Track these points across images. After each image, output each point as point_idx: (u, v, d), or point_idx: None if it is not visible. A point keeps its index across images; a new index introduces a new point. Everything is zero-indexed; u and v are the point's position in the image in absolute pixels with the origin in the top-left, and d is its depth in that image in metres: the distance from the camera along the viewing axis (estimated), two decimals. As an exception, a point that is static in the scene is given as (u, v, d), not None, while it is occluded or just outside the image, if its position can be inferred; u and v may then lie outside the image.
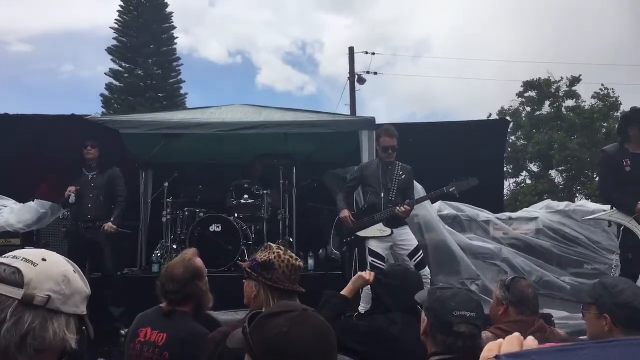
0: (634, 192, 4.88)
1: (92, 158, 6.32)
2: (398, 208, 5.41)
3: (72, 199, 6.14)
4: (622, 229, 5.04)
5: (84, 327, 1.32)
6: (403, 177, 5.58)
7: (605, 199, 5.46)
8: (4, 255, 1.29)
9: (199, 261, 2.93)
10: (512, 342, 0.95)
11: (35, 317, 1.22)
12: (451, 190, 5.52)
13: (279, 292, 2.39)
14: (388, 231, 5.45)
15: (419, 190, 6.08)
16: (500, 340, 0.96)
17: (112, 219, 6.13)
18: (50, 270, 1.28)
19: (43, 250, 1.35)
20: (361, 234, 5.59)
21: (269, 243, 2.63)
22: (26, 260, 1.27)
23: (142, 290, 5.91)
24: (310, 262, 6.71)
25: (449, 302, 2.19)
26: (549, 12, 50.63)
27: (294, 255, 2.53)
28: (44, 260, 1.29)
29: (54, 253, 1.35)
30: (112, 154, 6.60)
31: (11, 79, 53.13)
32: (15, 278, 1.23)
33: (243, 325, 1.38)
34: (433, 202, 6.25)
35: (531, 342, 0.94)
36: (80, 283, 1.33)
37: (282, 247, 2.54)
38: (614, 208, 5.08)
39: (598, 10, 45.66)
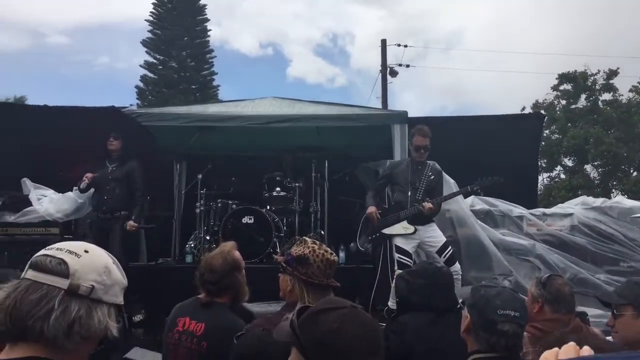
0: None
1: (114, 150, 6.47)
2: (424, 204, 5.39)
3: (83, 186, 6.32)
4: None
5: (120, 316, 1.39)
6: (432, 177, 5.58)
7: None
8: (47, 247, 1.36)
9: (237, 254, 2.99)
10: (568, 351, 0.94)
11: (81, 306, 1.28)
12: (475, 189, 5.48)
13: (314, 286, 2.42)
14: (411, 229, 5.45)
15: (451, 185, 6.05)
16: (556, 349, 0.95)
17: (132, 217, 6.26)
18: (92, 261, 1.34)
19: (83, 242, 1.41)
20: (386, 231, 5.62)
21: (304, 237, 2.66)
22: (70, 252, 1.33)
23: (176, 280, 6.07)
24: (342, 255, 6.73)
25: (493, 301, 2.18)
26: (586, 2, 49.46)
27: (328, 249, 2.55)
28: (86, 252, 1.35)
29: (94, 245, 1.42)
30: (146, 146, 6.72)
31: (49, 70, 54.34)
32: (61, 269, 1.29)
33: (291, 319, 1.41)
34: (465, 197, 6.20)
35: (587, 351, 0.94)
36: (118, 274, 1.39)
37: (317, 242, 2.56)
38: None
39: (636, 3, 44.40)
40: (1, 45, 52.33)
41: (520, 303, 2.21)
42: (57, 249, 1.34)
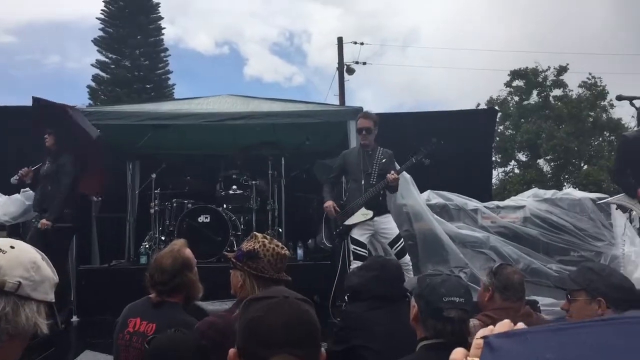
0: None
1: (49, 146, 6.04)
2: (387, 176, 5.38)
3: (13, 181, 6.03)
4: (632, 213, 5.20)
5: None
6: (384, 160, 5.56)
7: (615, 182, 5.57)
8: None
9: (188, 251, 2.92)
10: (503, 328, 0.95)
11: (7, 303, 1.24)
12: (420, 158, 5.43)
13: (264, 280, 2.39)
14: (370, 213, 5.44)
15: (405, 177, 6.07)
16: (491, 327, 0.96)
17: (47, 214, 5.78)
18: (19, 257, 1.29)
19: (10, 239, 1.36)
20: (347, 222, 5.60)
21: (255, 232, 2.62)
22: None
23: (130, 282, 5.94)
24: (299, 252, 6.72)
25: (438, 288, 2.22)
26: (536, 1, 50.67)
27: (279, 243, 2.52)
28: (12, 247, 1.30)
29: (21, 241, 1.36)
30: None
31: (-4, 70, 52.64)
32: None
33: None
34: (410, 172, 6.09)
35: (521, 326, 0.94)
36: (48, 270, 1.34)
37: (267, 236, 2.53)
38: (623, 191, 5.27)
39: (583, 1, 45.88)
40: (-55, 45, 50.36)
41: (464, 289, 2.26)
42: None
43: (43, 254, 1.37)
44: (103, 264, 6.93)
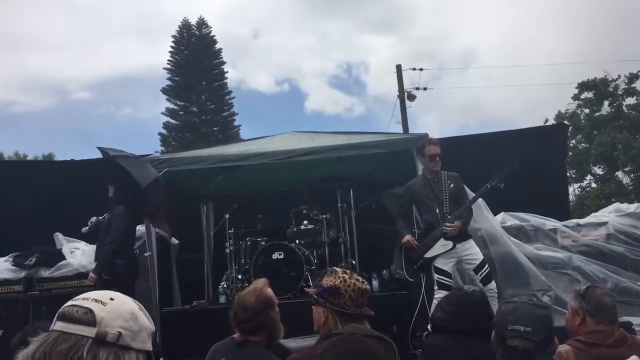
0: None
1: (110, 196, 6.21)
2: (444, 228, 5.30)
3: (84, 230, 6.25)
4: None
5: None
6: (452, 185, 5.48)
7: None
8: (74, 298, 1.37)
9: (270, 291, 2.98)
10: None
11: (109, 354, 1.28)
12: (494, 183, 5.32)
13: (347, 316, 2.39)
14: (450, 244, 5.36)
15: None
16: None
17: (94, 268, 5.89)
18: (118, 308, 1.35)
19: (109, 291, 1.42)
20: (428, 255, 5.52)
21: (334, 267, 2.64)
22: (96, 301, 1.34)
23: (211, 322, 6.07)
24: (375, 283, 6.65)
25: (507, 316, 2.22)
26: (597, 10, 49.20)
27: (360, 278, 2.53)
28: (111, 299, 1.36)
29: (119, 293, 1.43)
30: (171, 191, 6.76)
31: (74, 125, 55.75)
32: (87, 317, 1.30)
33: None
34: (483, 197, 5.93)
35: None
36: (145, 320, 1.39)
37: (347, 271, 2.54)
38: None
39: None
40: (28, 105, 53.92)
41: (535, 318, 2.20)
42: (83, 298, 1.35)
43: (140, 304, 1.43)
44: (185, 305, 7.11)
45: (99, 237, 6.18)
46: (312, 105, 67.16)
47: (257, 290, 2.87)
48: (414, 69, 21.04)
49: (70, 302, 1.35)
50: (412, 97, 20.06)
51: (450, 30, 61.38)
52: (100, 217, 6.32)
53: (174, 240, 7.31)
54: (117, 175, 6.10)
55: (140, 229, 6.61)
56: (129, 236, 6.18)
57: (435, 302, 5.08)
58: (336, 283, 2.45)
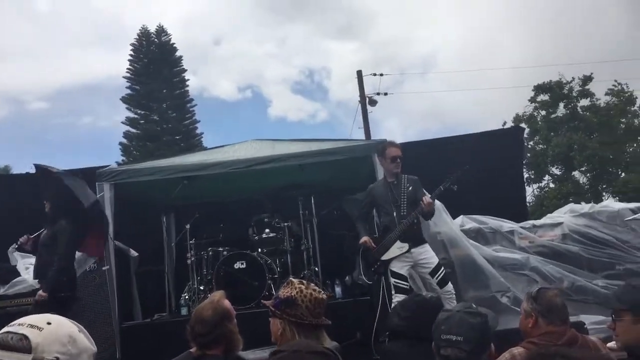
0: None
1: (47, 212, 5.85)
2: (422, 200, 5.33)
3: (11, 249, 6.09)
4: None
5: None
6: (410, 188, 5.53)
7: None
8: (9, 324, 1.35)
9: (227, 302, 2.95)
10: None
11: None
12: (447, 186, 5.38)
13: (304, 327, 2.39)
14: (406, 246, 5.40)
15: (437, 206, 6.02)
16: None
17: (43, 285, 5.51)
18: (55, 332, 1.33)
19: (48, 314, 1.40)
20: (384, 257, 5.56)
21: (291, 278, 2.64)
22: (31, 326, 1.32)
23: (173, 335, 5.97)
24: (338, 289, 6.69)
25: (440, 325, 2.26)
26: (550, 15, 50.50)
27: (317, 288, 2.54)
28: (48, 323, 1.34)
29: (57, 316, 1.40)
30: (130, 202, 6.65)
31: (32, 136, 54.43)
32: (22, 344, 1.28)
33: None
34: (440, 199, 5.97)
35: None
36: (86, 342, 1.38)
37: (304, 282, 2.55)
38: None
39: (598, 10, 45.62)
40: (-18, 116, 52.48)
41: (468, 327, 2.22)
42: (19, 324, 1.33)
43: (80, 325, 1.41)
44: (145, 319, 7.00)
45: (39, 254, 5.85)
46: (275, 111, 67.03)
47: (214, 303, 2.84)
48: (375, 74, 21.22)
49: (5, 329, 1.32)
50: (373, 103, 20.21)
51: (410, 36, 62.18)
52: (31, 235, 6.04)
53: (134, 253, 7.19)
54: (53, 190, 5.87)
55: None
56: (71, 254, 5.90)
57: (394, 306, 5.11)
58: (292, 294, 2.45)
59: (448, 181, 5.36)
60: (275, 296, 2.58)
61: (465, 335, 2.16)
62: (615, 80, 26.15)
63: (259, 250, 7.06)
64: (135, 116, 30.46)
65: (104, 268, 6.37)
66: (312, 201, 7.36)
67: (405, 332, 2.89)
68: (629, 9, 44.64)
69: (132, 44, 31.01)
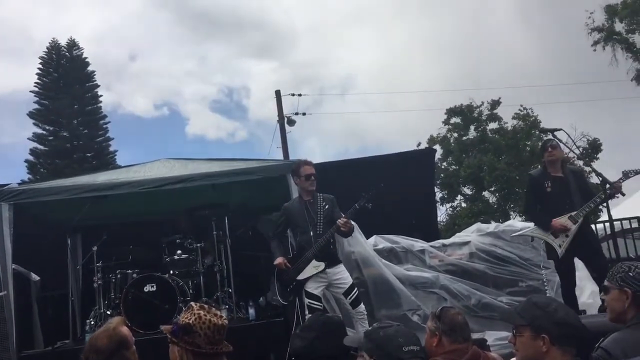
0: (553, 210, 5.46)
1: None
2: (338, 222, 5.33)
3: None
4: (542, 242, 5.71)
5: None
6: (326, 207, 5.55)
7: (527, 216, 6.00)
8: None
9: (125, 329, 2.79)
10: None
11: None
12: (362, 204, 5.45)
13: (202, 355, 2.31)
14: (322, 265, 5.39)
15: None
16: None
17: None
18: None
19: None
20: (300, 277, 5.52)
21: (191, 303, 2.55)
22: None
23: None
24: (251, 311, 6.58)
25: (395, 339, 2.25)
26: (463, 42, 52.91)
27: (218, 313, 2.46)
28: None
29: None
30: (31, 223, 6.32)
31: None
32: None
33: None
34: (354, 219, 6.04)
35: None
36: None
37: (205, 306, 2.46)
38: (535, 225, 5.69)
39: (506, 38, 48.35)
40: None
41: (416, 336, 2.31)
42: None
43: None
44: (47, 347, 6.59)
45: None
46: (193, 129, 65.72)
47: (109, 331, 2.68)
48: (294, 95, 21.36)
49: None
50: (292, 122, 20.33)
51: (328, 57, 63.09)
52: None
53: (35, 277, 6.79)
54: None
55: None
56: None
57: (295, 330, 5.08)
58: (190, 320, 2.36)
59: (363, 199, 5.41)
60: (174, 322, 2.48)
61: (420, 345, 2.27)
62: (521, 105, 27.70)
63: (171, 272, 6.86)
64: (44, 132, 29.04)
65: (0, 294, 5.98)
66: (226, 221, 7.24)
67: (312, 353, 2.85)
68: (534, 37, 47.57)
69: (41, 57, 29.64)
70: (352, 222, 5.97)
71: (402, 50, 57.00)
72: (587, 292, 6.03)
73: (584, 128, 27.17)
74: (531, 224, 5.89)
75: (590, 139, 25.93)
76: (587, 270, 5.61)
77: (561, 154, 5.71)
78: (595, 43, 25.46)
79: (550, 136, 5.69)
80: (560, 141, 5.62)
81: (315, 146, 54.12)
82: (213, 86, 64.01)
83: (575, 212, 5.37)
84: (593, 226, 8.15)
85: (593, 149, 25.68)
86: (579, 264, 5.61)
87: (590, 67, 39.35)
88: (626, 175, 5.34)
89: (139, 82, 56.90)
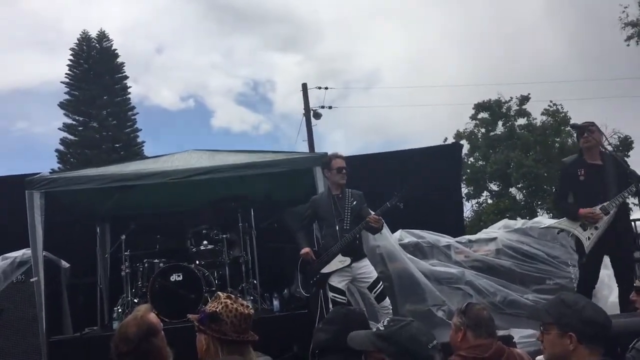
0: (586, 200, 5.08)
1: None
2: (368, 218, 5.33)
3: None
4: (571, 235, 5.32)
5: None
6: (354, 203, 5.54)
7: (556, 207, 5.71)
8: None
9: (152, 316, 2.83)
10: None
11: None
12: (394, 203, 5.43)
13: (228, 343, 2.34)
14: (347, 260, 5.39)
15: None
16: None
17: None
18: None
19: None
20: (325, 270, 5.53)
21: (218, 292, 2.58)
22: None
23: (104, 350, 5.77)
24: (275, 303, 6.61)
25: (419, 338, 2.23)
26: (491, 36, 52.27)
27: (244, 303, 2.48)
28: None
29: None
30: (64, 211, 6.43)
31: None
32: None
33: None
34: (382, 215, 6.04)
35: None
36: None
37: (231, 296, 2.49)
38: (564, 216, 5.33)
39: (535, 32, 47.58)
40: None
41: (429, 330, 2.30)
42: None
43: None
44: (75, 333, 6.72)
45: None
46: (218, 122, 66.12)
47: (137, 319, 2.72)
48: (320, 88, 21.35)
49: None
50: (318, 116, 20.33)
51: (354, 51, 62.87)
52: None
53: (65, 264, 6.92)
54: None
55: (26, 252, 6.22)
56: None
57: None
58: (217, 309, 2.39)
59: (395, 198, 5.40)
60: (201, 310, 2.52)
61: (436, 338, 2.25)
62: (551, 101, 27.30)
63: (197, 262, 6.92)
64: (74, 122, 29.55)
65: (32, 280, 6.10)
66: (252, 213, 7.28)
67: (336, 346, 2.85)
68: (566, 35, 46.73)
69: (72, 49, 30.14)
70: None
71: (429, 44, 56.57)
72: (617, 291, 5.81)
73: (616, 125, 26.54)
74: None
75: (622, 136, 25.47)
76: None
77: (599, 139, 5.28)
78: (629, 38, 24.93)
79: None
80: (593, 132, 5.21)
81: (340, 140, 54.08)
82: (238, 79, 64.47)
83: (607, 203, 4.94)
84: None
85: (624, 146, 25.19)
86: (607, 260, 5.32)
87: (622, 63, 38.58)
88: None
89: (165, 74, 57.49)
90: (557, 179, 6.22)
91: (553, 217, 8.65)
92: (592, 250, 5.02)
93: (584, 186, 5.15)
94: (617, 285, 5.29)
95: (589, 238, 5.02)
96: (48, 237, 6.19)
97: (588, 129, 5.17)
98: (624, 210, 5.17)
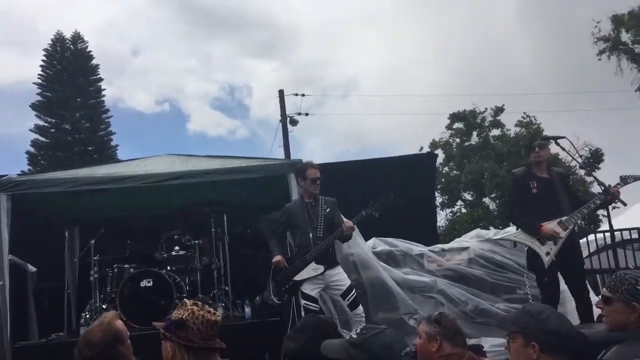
0: (539, 213, 5.14)
1: None
2: (343, 225, 5.33)
3: None
4: (526, 249, 5.34)
5: None
6: (327, 210, 5.53)
7: (511, 219, 5.73)
8: None
9: (119, 323, 2.77)
10: None
11: None
12: (369, 212, 5.42)
13: (194, 350, 2.30)
14: (321, 268, 5.37)
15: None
16: None
17: None
18: None
19: None
20: (297, 277, 5.49)
21: (185, 299, 2.53)
22: None
23: (69, 356, 5.64)
24: (247, 310, 6.56)
25: (392, 346, 2.24)
26: (467, 47, 52.95)
27: (211, 310, 2.45)
28: None
29: None
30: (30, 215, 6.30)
31: None
32: None
33: None
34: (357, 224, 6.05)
35: None
36: None
37: (198, 303, 2.45)
38: (519, 229, 5.38)
39: (510, 44, 48.38)
40: None
41: (402, 336, 2.34)
42: None
43: None
44: (41, 339, 6.56)
45: None
46: (194, 126, 65.57)
47: (104, 325, 2.66)
48: (297, 94, 21.33)
49: None
50: (294, 122, 20.32)
51: (331, 58, 63.14)
52: None
53: (32, 268, 6.77)
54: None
55: None
56: None
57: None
58: (184, 316, 2.35)
59: (371, 207, 5.41)
60: (167, 318, 2.47)
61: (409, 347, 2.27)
62: (524, 113, 27.69)
63: (168, 268, 6.83)
64: (46, 124, 29.02)
65: (-4, 284, 5.95)
66: (225, 219, 7.21)
67: (306, 355, 2.82)
68: (535, 47, 47.58)
69: (46, 49, 29.61)
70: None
71: (406, 53, 57.09)
72: (568, 305, 5.61)
73: (587, 137, 27.05)
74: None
75: (593, 148, 25.94)
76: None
77: (548, 155, 5.48)
78: (601, 52, 25.44)
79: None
80: (563, 149, 5.43)
81: (316, 147, 54.14)
82: (215, 84, 64.13)
83: (565, 218, 5.03)
84: (593, 236, 8.17)
85: (595, 158, 25.66)
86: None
87: (594, 77, 39.37)
88: (624, 180, 5.03)
89: (141, 77, 56.93)
90: (510, 189, 6.27)
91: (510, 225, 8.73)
92: (550, 266, 5.06)
93: (536, 199, 5.23)
94: (572, 296, 5.35)
95: (547, 253, 5.06)
96: (14, 241, 6.06)
97: (540, 145, 5.36)
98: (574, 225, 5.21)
